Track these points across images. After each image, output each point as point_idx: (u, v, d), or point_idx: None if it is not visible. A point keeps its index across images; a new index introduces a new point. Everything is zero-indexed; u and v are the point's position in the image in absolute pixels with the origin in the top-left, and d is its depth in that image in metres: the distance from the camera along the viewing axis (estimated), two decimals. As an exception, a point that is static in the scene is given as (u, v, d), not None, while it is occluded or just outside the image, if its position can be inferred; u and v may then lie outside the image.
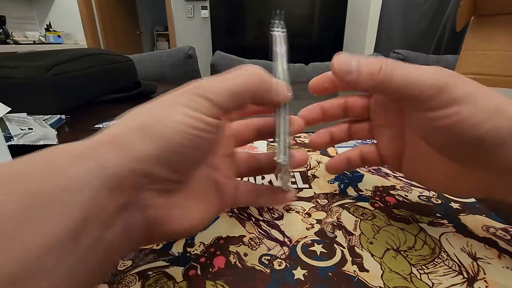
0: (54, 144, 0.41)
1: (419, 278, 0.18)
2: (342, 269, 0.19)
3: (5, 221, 0.09)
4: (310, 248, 0.21)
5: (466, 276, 0.18)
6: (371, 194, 0.28)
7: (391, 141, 0.23)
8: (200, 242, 0.22)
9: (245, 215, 0.25)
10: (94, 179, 0.12)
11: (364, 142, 0.40)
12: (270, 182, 0.30)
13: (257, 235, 0.22)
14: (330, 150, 0.39)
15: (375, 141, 0.25)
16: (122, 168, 0.13)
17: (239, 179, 0.24)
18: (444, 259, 0.20)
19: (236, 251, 0.21)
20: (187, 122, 0.14)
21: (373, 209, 0.25)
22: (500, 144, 0.16)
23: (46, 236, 0.10)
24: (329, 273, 0.19)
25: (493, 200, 0.27)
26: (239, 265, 0.19)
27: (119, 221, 0.13)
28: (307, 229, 0.23)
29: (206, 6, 3.06)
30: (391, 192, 0.28)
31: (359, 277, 0.18)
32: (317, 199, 0.27)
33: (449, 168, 0.19)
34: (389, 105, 0.22)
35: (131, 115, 0.15)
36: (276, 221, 0.24)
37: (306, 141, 0.43)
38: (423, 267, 0.19)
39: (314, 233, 0.22)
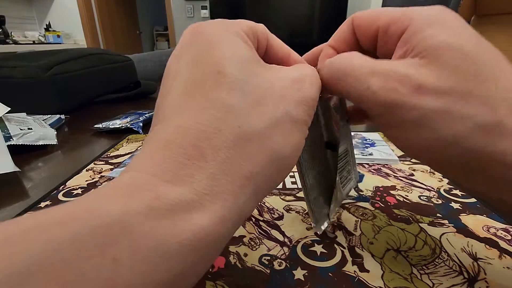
0: (54, 144, 0.41)
1: (420, 278, 0.18)
2: (343, 269, 0.19)
3: None
4: (310, 248, 0.21)
5: (466, 276, 0.18)
6: (372, 194, 0.28)
7: None
8: (200, 242, 0.21)
9: (245, 215, 0.25)
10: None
11: (365, 140, 0.40)
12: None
13: (257, 235, 0.22)
14: (330, 150, 0.39)
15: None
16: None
17: None
18: (444, 260, 0.20)
19: (236, 251, 0.21)
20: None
21: (373, 209, 0.25)
22: (484, 167, 0.13)
23: None
24: (329, 273, 0.19)
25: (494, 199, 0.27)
26: (239, 265, 0.19)
27: None
28: (307, 229, 0.23)
29: (206, 6, 3.06)
30: (392, 192, 0.28)
31: (360, 278, 0.18)
32: (317, 199, 0.27)
33: None
34: None
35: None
36: (276, 221, 0.24)
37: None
38: (424, 267, 0.19)
39: (314, 233, 0.22)
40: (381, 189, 0.29)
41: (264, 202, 0.27)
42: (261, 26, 0.16)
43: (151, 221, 0.09)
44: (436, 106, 0.13)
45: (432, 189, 0.29)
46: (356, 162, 0.35)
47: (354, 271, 0.19)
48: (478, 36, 0.14)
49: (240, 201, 0.11)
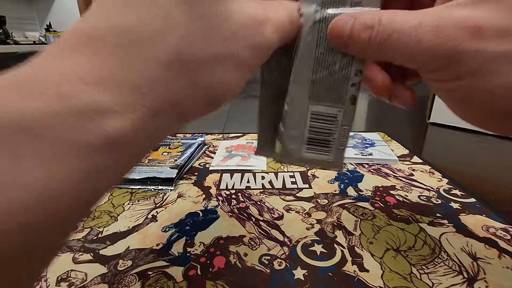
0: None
1: (419, 278, 0.18)
2: (342, 269, 0.19)
3: None
4: (310, 248, 0.21)
5: (466, 276, 0.18)
6: (371, 194, 0.28)
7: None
8: (200, 242, 0.22)
9: (245, 215, 0.25)
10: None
11: (365, 140, 0.40)
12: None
13: (257, 235, 0.22)
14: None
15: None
16: None
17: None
18: (444, 259, 0.20)
19: (236, 251, 0.21)
20: None
21: (373, 209, 0.25)
22: None
23: None
24: (329, 273, 0.19)
25: (493, 199, 0.27)
26: (239, 265, 0.19)
27: None
28: (307, 229, 0.23)
29: (206, 6, 3.06)
30: (391, 192, 0.28)
31: (359, 277, 0.18)
32: (317, 199, 0.27)
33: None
34: None
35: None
36: (276, 221, 0.24)
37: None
38: (423, 267, 0.19)
39: (314, 233, 0.22)
40: (381, 189, 0.29)
41: (264, 202, 0.27)
42: None
43: (56, 122, 0.08)
44: (500, 50, 0.11)
45: (432, 189, 0.29)
46: (356, 162, 0.35)
47: (354, 270, 0.19)
48: None
49: (159, 118, 0.10)
